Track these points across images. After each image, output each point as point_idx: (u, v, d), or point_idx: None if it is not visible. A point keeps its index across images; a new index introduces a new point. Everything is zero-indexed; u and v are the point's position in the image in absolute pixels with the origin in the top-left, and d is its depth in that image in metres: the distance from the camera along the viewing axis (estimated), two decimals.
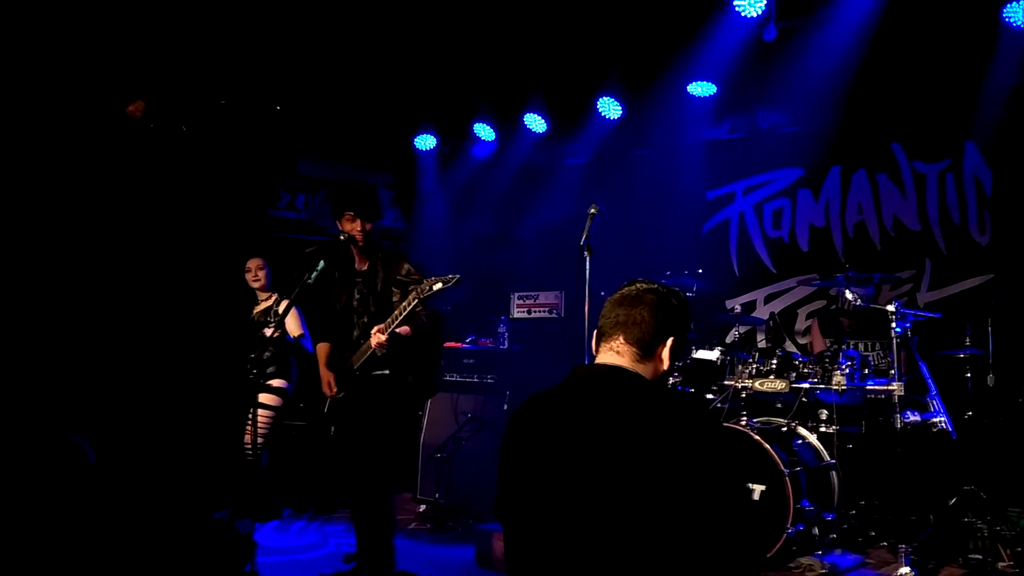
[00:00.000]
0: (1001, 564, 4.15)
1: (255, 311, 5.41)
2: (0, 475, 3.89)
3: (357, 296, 4.25)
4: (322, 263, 4.18)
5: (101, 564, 3.65)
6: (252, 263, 5.39)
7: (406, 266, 4.27)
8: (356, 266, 4.32)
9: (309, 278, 4.20)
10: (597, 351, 2.00)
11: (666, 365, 1.99)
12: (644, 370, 1.95)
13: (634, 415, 1.82)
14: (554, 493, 1.80)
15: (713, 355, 4.98)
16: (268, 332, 4.88)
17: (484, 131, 7.09)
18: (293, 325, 5.20)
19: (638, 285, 2.04)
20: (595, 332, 2.04)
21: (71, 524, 3.73)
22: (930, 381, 4.68)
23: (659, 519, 1.71)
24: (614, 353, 1.96)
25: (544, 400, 1.98)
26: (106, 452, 4.62)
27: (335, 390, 4.25)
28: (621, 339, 1.96)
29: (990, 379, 4.52)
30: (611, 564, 1.73)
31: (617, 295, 2.05)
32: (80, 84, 5.52)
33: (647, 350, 1.96)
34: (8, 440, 4.20)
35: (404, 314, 4.00)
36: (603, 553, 1.73)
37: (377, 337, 4.00)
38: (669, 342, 1.98)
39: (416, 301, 3.98)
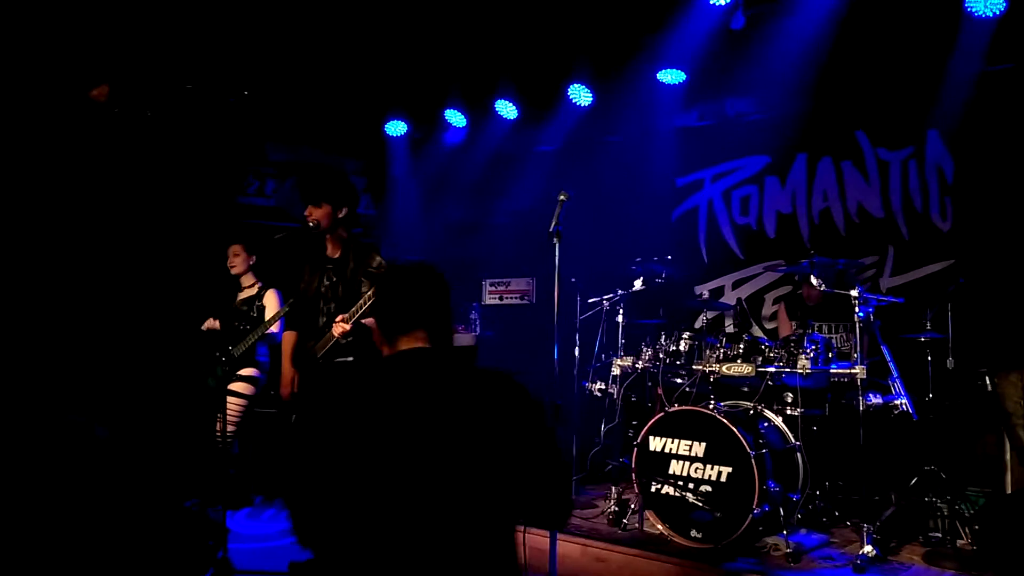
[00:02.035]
0: (960, 542, 4.28)
1: (237, 298, 5.37)
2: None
3: (326, 283, 4.22)
4: (292, 300, 4.23)
5: (72, 553, 3.63)
6: (229, 249, 5.35)
7: (378, 259, 4.24)
8: (328, 253, 4.29)
9: (287, 307, 4.25)
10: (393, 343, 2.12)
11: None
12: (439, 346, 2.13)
13: (453, 385, 1.99)
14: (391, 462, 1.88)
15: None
16: (249, 341, 4.91)
17: (455, 117, 7.08)
18: (274, 326, 5.18)
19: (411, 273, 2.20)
20: (375, 323, 2.17)
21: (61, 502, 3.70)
22: (892, 364, 4.78)
23: (490, 474, 1.89)
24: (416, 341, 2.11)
25: (363, 383, 2.09)
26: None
27: (295, 391, 4.25)
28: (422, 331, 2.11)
29: (950, 362, 4.62)
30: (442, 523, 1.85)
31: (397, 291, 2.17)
32: (42, 67, 5.41)
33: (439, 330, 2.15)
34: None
35: (368, 304, 3.99)
36: (437, 516, 1.85)
37: (340, 326, 3.99)
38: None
39: None
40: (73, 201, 5.73)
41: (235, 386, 5.04)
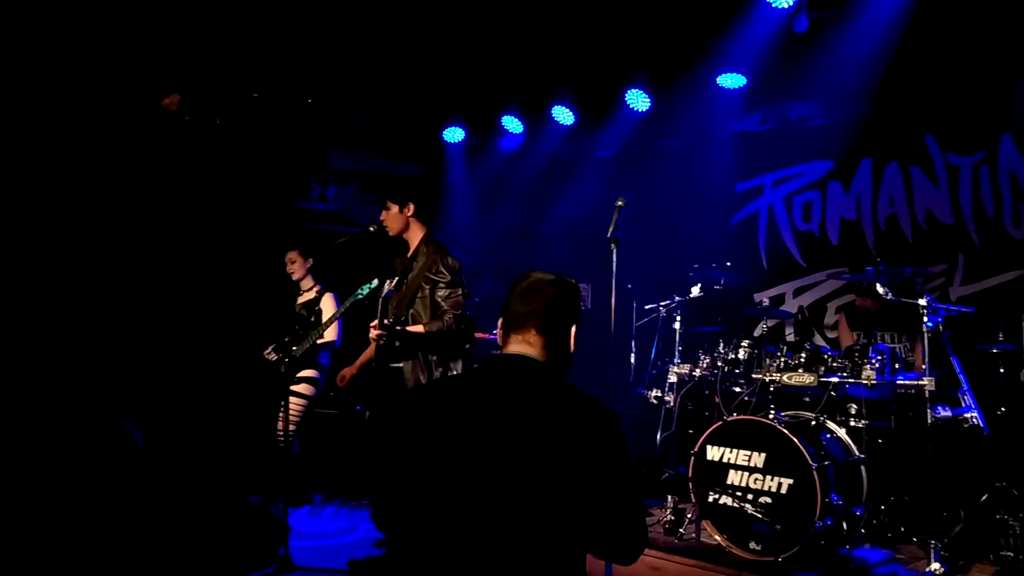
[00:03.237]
0: None
1: (297, 303, 5.51)
2: (53, 456, 4.03)
3: (393, 284, 4.30)
4: (376, 281, 4.27)
5: (139, 544, 3.75)
6: (287, 255, 5.50)
7: (440, 262, 4.28)
8: (407, 254, 4.39)
9: (362, 294, 4.29)
10: (506, 342, 2.07)
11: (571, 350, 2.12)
12: (549, 358, 2.04)
13: (539, 402, 1.90)
14: (466, 470, 1.84)
15: None
16: (306, 343, 5.03)
17: (512, 123, 7.11)
18: (330, 332, 5.28)
19: (538, 277, 2.14)
20: (500, 322, 2.11)
21: (118, 503, 3.84)
22: (962, 376, 4.62)
23: (560, 498, 1.81)
24: (525, 344, 2.04)
25: (452, 385, 2.11)
26: (147, 439, 4.74)
27: (346, 380, 4.35)
28: (533, 330, 2.05)
29: (1023, 375, 4.46)
30: (504, 544, 1.79)
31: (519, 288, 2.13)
32: (117, 77, 5.63)
33: (554, 338, 2.06)
34: (60, 424, 4.34)
35: (388, 322, 4.07)
36: (499, 530, 1.79)
37: (372, 330, 4.07)
38: (572, 329, 2.10)
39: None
40: (145, 208, 5.95)
41: (296, 387, 5.16)
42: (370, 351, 4.41)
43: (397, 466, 1.94)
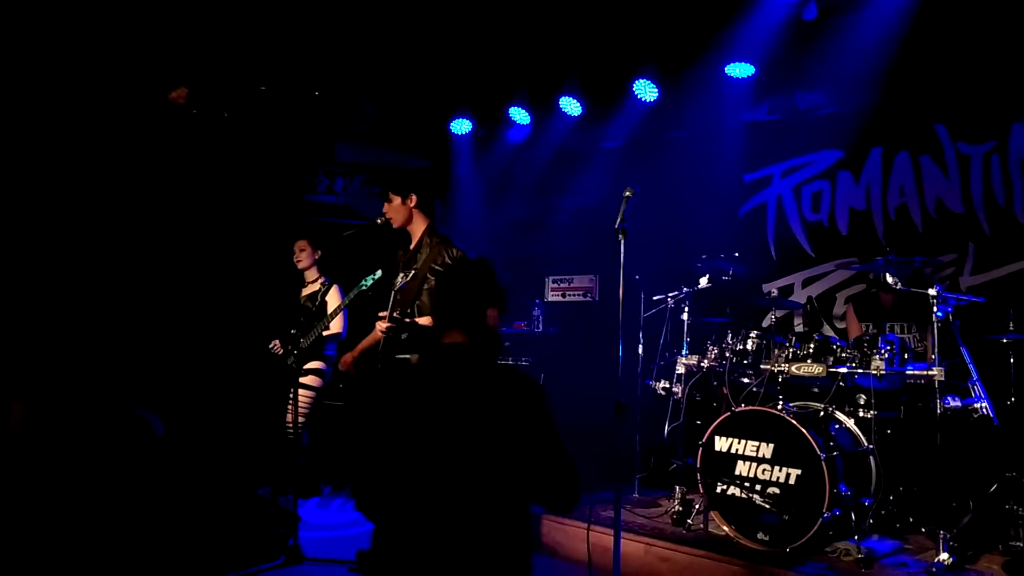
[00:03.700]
0: None
1: (302, 294, 5.53)
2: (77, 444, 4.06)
3: (399, 278, 4.31)
4: (380, 272, 4.27)
5: (149, 535, 3.79)
6: (297, 244, 5.52)
7: (444, 253, 4.27)
8: (411, 246, 4.39)
9: (366, 285, 4.30)
10: (439, 334, 2.37)
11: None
12: (473, 342, 2.33)
13: (474, 382, 2.22)
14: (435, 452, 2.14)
15: None
16: (312, 335, 5.05)
17: (520, 115, 7.09)
18: (336, 324, 5.30)
19: (449, 272, 2.55)
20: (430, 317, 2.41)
21: (133, 493, 3.88)
22: (972, 366, 4.60)
23: (507, 465, 2.13)
24: (454, 335, 2.33)
25: (408, 377, 2.43)
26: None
27: (347, 364, 4.39)
28: (452, 326, 2.35)
29: None
30: (468, 505, 2.11)
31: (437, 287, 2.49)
32: (124, 71, 5.65)
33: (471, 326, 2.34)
34: (83, 414, 4.38)
35: (397, 314, 4.08)
36: (459, 496, 2.11)
37: (379, 324, 4.08)
38: (489, 312, 2.40)
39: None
40: (152, 201, 5.97)
41: (304, 379, 5.18)
42: (371, 337, 4.43)
43: (371, 452, 2.24)
